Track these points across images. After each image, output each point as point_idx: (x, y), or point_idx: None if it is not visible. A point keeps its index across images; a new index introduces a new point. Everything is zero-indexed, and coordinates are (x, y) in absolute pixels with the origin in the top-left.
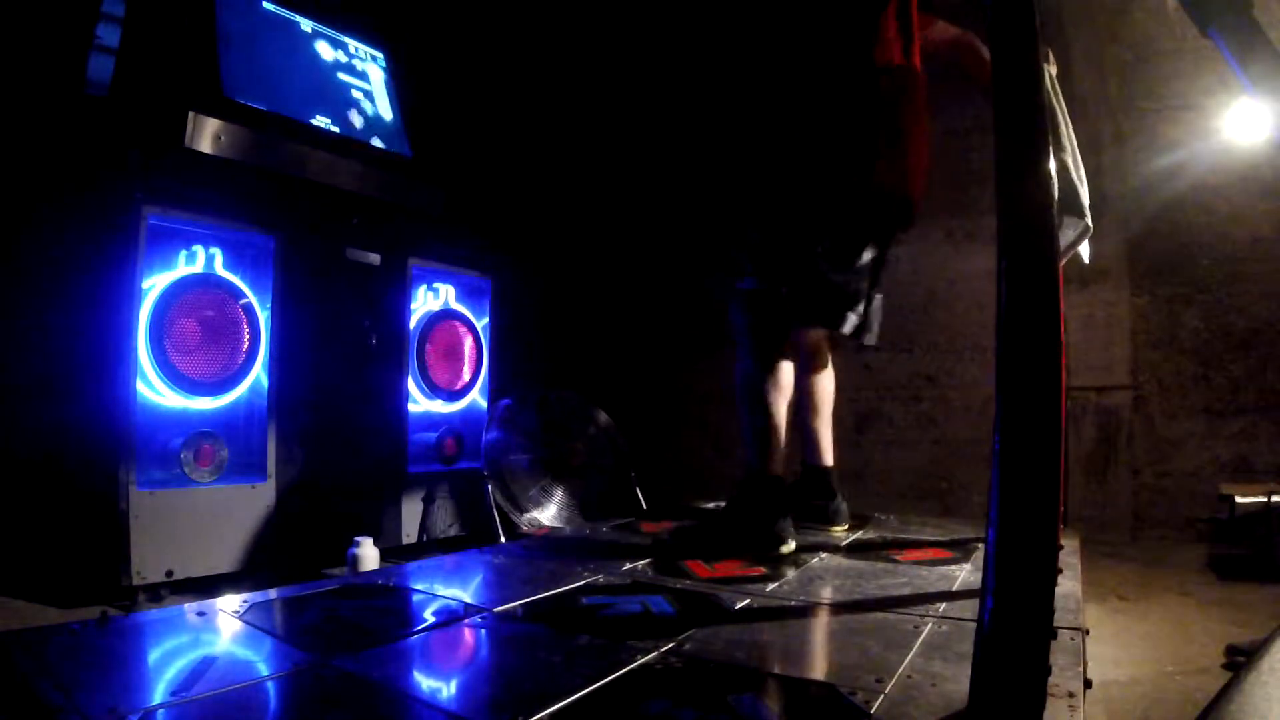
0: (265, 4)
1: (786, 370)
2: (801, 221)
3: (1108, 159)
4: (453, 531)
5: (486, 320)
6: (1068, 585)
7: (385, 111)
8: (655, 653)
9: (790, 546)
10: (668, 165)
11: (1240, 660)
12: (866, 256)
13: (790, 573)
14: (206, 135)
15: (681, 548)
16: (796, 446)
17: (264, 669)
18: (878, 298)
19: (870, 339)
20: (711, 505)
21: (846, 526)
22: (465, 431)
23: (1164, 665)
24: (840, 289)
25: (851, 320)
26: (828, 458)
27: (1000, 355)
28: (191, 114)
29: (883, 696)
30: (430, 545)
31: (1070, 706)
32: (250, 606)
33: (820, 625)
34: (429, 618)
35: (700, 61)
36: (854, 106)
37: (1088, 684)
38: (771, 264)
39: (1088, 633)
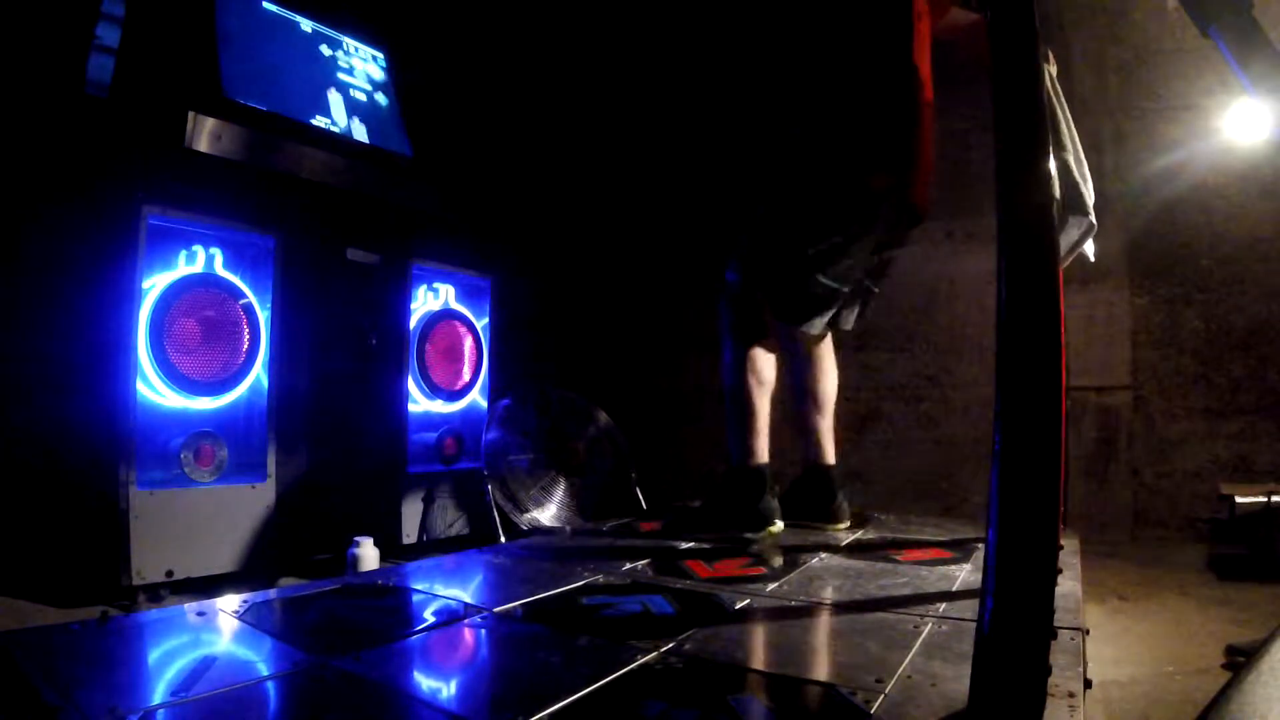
0: (265, 4)
1: (767, 364)
2: (797, 223)
3: (1108, 159)
4: (453, 531)
5: (486, 320)
6: (1068, 585)
7: (385, 111)
8: (655, 653)
9: (778, 526)
10: (668, 163)
11: (1240, 660)
12: (860, 258)
13: (790, 573)
14: (206, 135)
15: (673, 533)
16: (795, 443)
17: (264, 669)
18: (873, 294)
19: (848, 325)
20: None
21: (848, 524)
22: (465, 431)
23: (1164, 665)
24: (820, 291)
25: (818, 323)
26: (829, 456)
27: (1000, 355)
28: (191, 114)
29: (883, 696)
30: (430, 545)
31: (1070, 706)
32: (250, 606)
33: (820, 625)
34: (429, 618)
35: (705, 60)
36: (889, 101)
37: (1088, 684)
38: (755, 262)
39: (1088, 633)
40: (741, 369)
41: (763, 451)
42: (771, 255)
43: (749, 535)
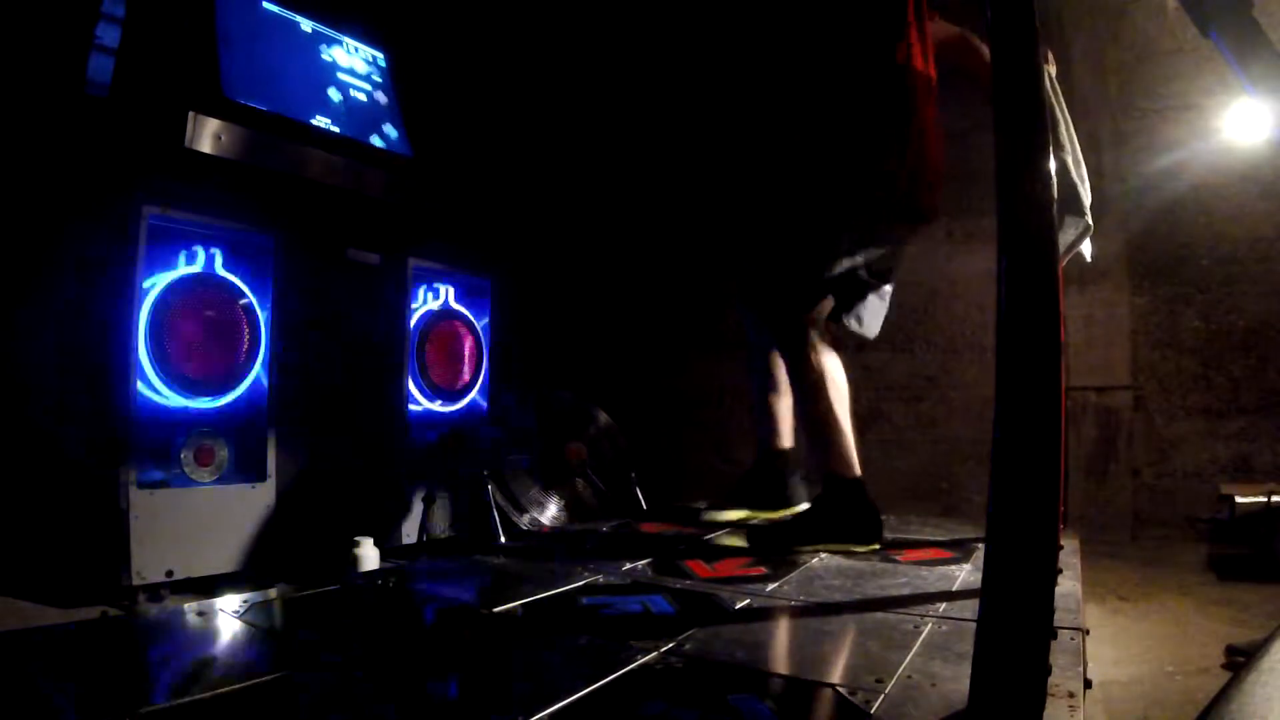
0: (265, 4)
1: (837, 366)
2: (828, 220)
3: (1108, 159)
4: (453, 531)
5: (486, 320)
6: (1068, 585)
7: (385, 111)
8: (655, 653)
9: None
10: (669, 164)
11: (1240, 660)
12: (883, 256)
13: (790, 573)
14: (206, 135)
15: (762, 548)
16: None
17: (264, 669)
18: (888, 289)
19: (873, 331)
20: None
21: (807, 505)
22: (465, 431)
23: (1164, 665)
24: (861, 283)
25: (862, 316)
26: (786, 440)
27: (1000, 355)
28: (191, 114)
29: (883, 696)
30: (430, 545)
31: (1070, 706)
32: (250, 606)
33: (820, 625)
34: (429, 618)
35: (712, 60)
36: (878, 104)
37: (1088, 684)
38: (799, 273)
39: (1088, 633)
40: (812, 377)
41: (852, 459)
42: (810, 262)
43: (857, 549)
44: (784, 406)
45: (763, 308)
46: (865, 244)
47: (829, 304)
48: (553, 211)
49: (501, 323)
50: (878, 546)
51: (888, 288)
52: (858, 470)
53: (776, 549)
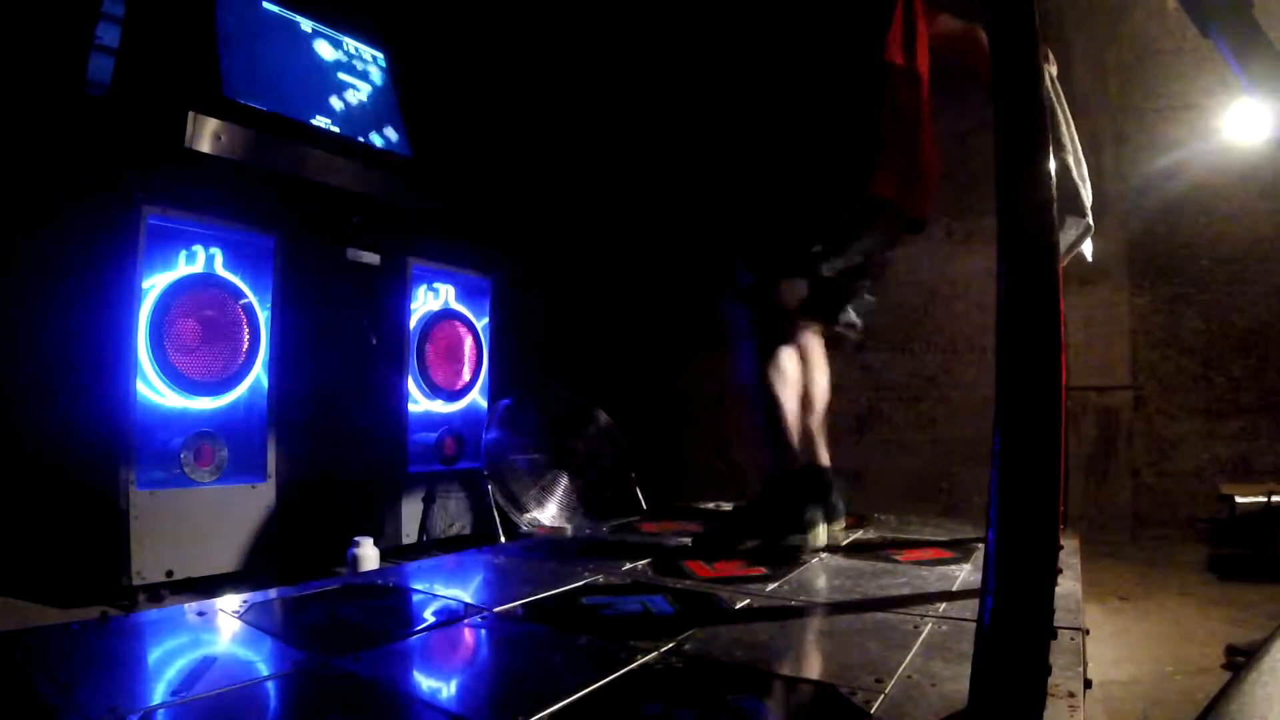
0: (265, 4)
1: (792, 361)
2: (799, 220)
3: (1108, 159)
4: (453, 531)
5: (486, 320)
6: (1068, 585)
7: (385, 111)
8: (655, 653)
9: (820, 538)
10: (667, 163)
11: (1240, 660)
12: (859, 256)
13: (790, 573)
14: (206, 135)
15: (706, 551)
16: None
17: (264, 669)
18: (867, 293)
19: (854, 333)
20: (711, 505)
21: (844, 524)
22: (465, 431)
23: (1164, 665)
24: (833, 285)
25: (845, 316)
26: (823, 456)
27: (1000, 355)
28: (191, 114)
29: (883, 696)
30: (430, 545)
31: (1070, 706)
32: (250, 606)
33: (820, 625)
34: (429, 618)
35: (702, 60)
36: (859, 104)
37: (1088, 684)
38: (768, 260)
39: (1088, 633)
40: (765, 368)
41: (801, 451)
42: (778, 251)
43: (789, 543)
44: (814, 423)
45: (740, 290)
46: (843, 247)
47: (808, 298)
48: (553, 212)
49: (501, 323)
50: (813, 540)
51: (868, 283)
52: (803, 461)
53: (719, 552)
